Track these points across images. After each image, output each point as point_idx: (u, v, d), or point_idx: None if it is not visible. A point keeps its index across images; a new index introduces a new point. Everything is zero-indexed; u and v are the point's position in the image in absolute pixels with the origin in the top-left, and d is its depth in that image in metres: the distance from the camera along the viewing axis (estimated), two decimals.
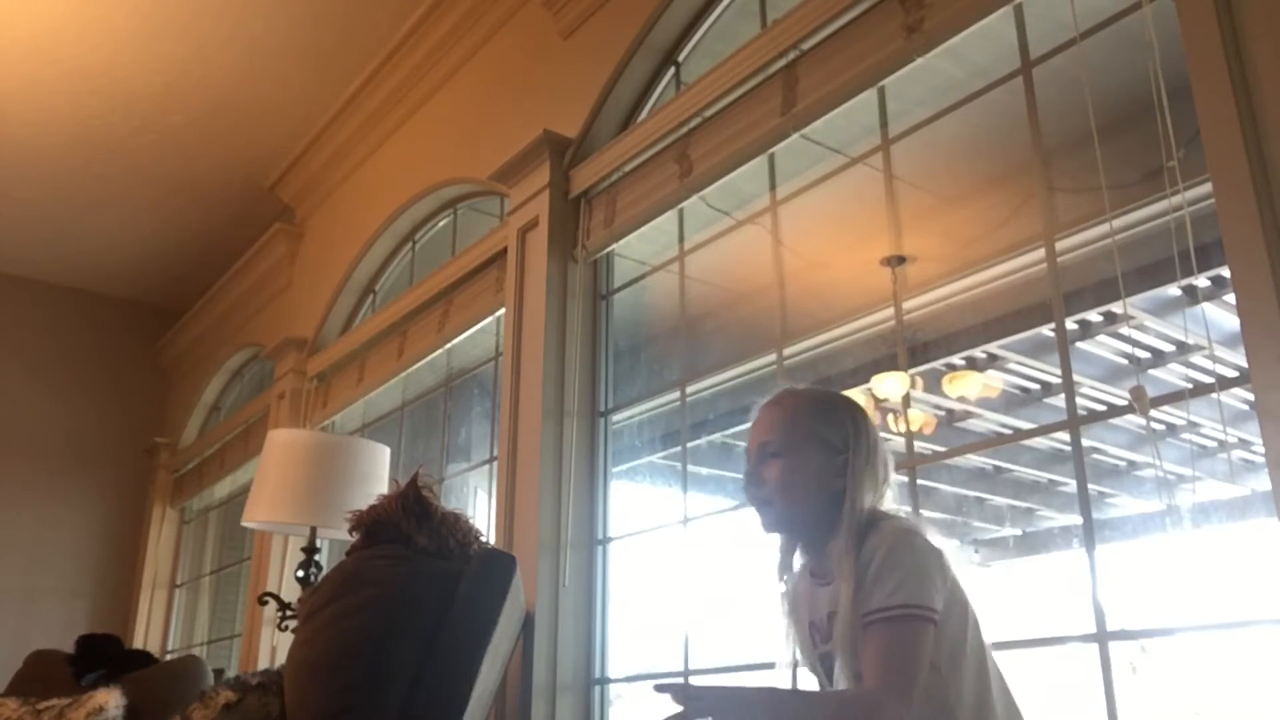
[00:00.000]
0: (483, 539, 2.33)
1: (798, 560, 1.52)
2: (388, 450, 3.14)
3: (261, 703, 2.09)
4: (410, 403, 4.02)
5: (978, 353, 4.90)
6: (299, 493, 2.93)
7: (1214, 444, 2.18)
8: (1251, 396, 1.48)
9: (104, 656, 3.07)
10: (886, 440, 1.51)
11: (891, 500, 1.46)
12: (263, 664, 3.85)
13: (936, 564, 1.32)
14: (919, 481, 2.17)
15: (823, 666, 1.43)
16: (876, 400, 3.77)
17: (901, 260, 2.35)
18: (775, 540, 1.53)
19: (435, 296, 3.58)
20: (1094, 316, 4.24)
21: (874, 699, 1.23)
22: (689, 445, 2.66)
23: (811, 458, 1.42)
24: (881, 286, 2.31)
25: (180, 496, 5.80)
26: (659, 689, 1.21)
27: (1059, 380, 4.46)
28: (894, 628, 1.26)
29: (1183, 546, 1.72)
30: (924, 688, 1.26)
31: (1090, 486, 1.88)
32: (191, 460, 5.69)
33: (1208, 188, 1.58)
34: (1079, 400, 1.87)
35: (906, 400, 2.91)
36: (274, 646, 3.88)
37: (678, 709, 1.20)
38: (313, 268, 4.75)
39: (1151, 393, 1.63)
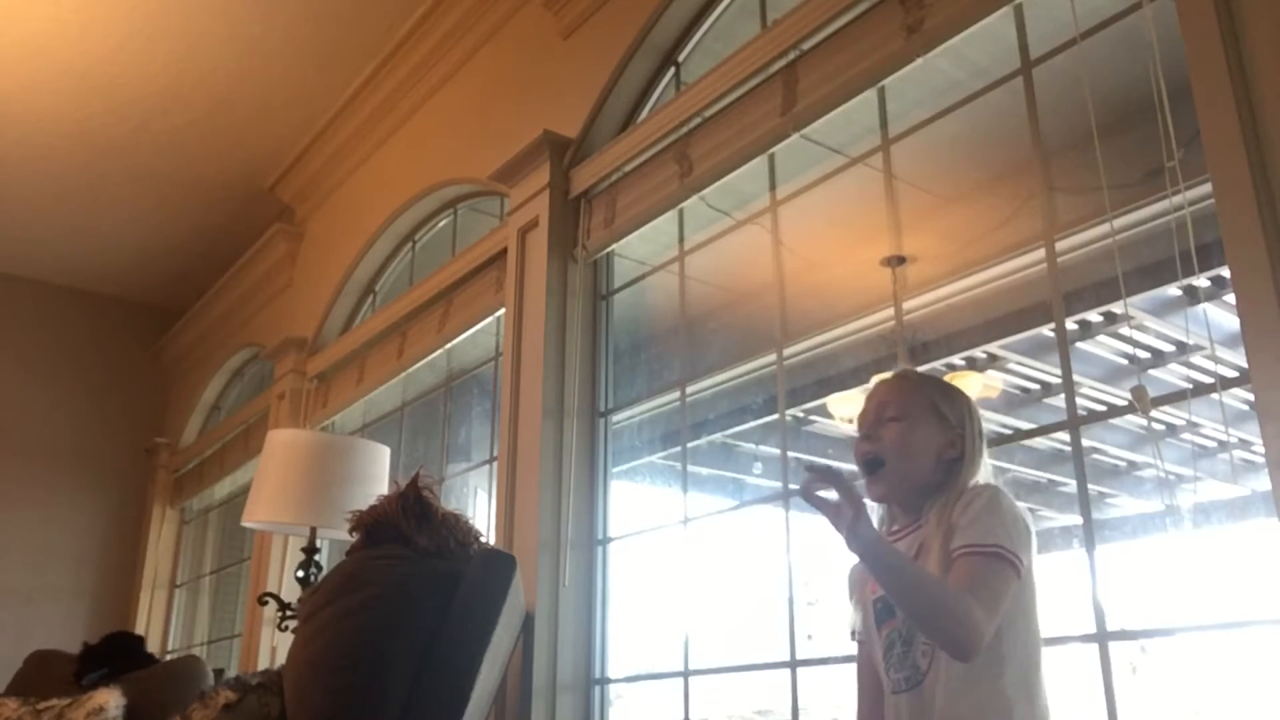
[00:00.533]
0: (483, 539, 2.33)
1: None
2: (388, 450, 3.14)
3: (261, 703, 2.09)
4: (410, 403, 4.02)
5: (978, 353, 4.90)
6: (299, 493, 2.93)
7: (1214, 444, 2.18)
8: (1251, 396, 1.48)
9: (124, 654, 3.06)
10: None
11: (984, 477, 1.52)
12: (263, 664, 3.85)
13: (1026, 528, 1.39)
14: None
15: (879, 609, 1.47)
16: None
17: (901, 260, 2.35)
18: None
19: (435, 296, 3.58)
20: (1094, 316, 4.23)
21: (970, 603, 1.28)
22: (689, 445, 2.66)
23: (929, 425, 1.50)
24: (881, 286, 2.31)
25: (180, 496, 5.80)
26: (810, 468, 1.30)
27: (1059, 380, 4.45)
28: (987, 561, 1.32)
29: (1183, 546, 1.72)
30: None
31: (1090, 486, 1.88)
32: (191, 460, 5.69)
33: (1208, 188, 1.58)
34: (1079, 400, 1.87)
35: None
36: (274, 646, 3.88)
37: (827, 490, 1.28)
38: (313, 268, 4.75)
39: (1152, 393, 1.63)
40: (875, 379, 3.33)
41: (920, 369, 1.61)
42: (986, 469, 1.51)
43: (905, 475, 1.49)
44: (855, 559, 1.58)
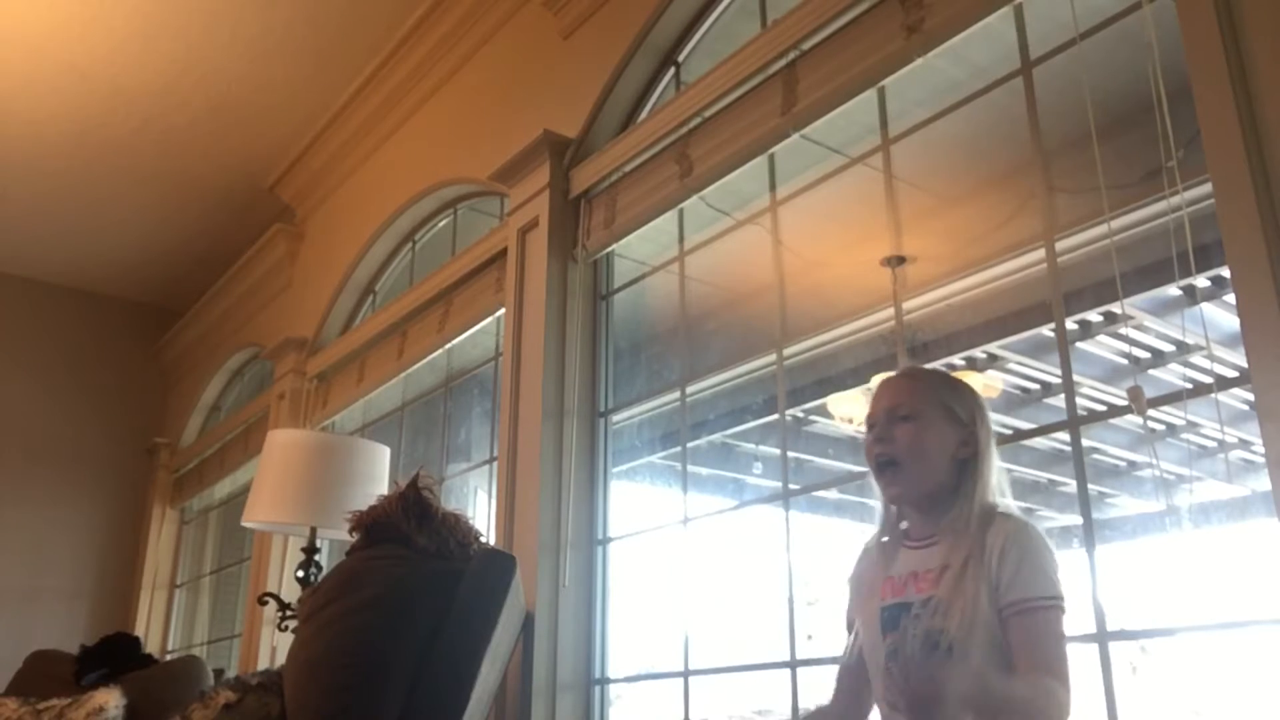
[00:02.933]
0: (483, 539, 2.33)
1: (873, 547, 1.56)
2: (388, 450, 3.14)
3: (261, 703, 2.09)
4: (410, 403, 4.02)
5: (978, 353, 4.90)
6: (299, 493, 2.93)
7: (1213, 444, 2.19)
8: (1251, 396, 1.48)
9: (120, 655, 3.06)
10: None
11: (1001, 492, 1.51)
12: (263, 664, 3.84)
13: (1054, 558, 1.40)
14: None
15: (884, 617, 1.46)
16: None
17: (901, 260, 2.35)
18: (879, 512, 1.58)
19: (435, 296, 3.58)
20: (1094, 316, 4.23)
21: (1053, 688, 1.29)
22: (689, 445, 2.66)
23: (941, 424, 1.49)
24: (881, 286, 2.31)
25: (180, 497, 5.80)
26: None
27: (1059, 380, 4.45)
28: (1048, 621, 1.33)
29: (1183, 546, 1.72)
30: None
31: (1090, 486, 1.88)
32: (191, 460, 5.69)
33: (1208, 188, 1.58)
34: (1079, 400, 1.87)
35: None
36: (274, 646, 3.88)
37: None
38: (313, 268, 4.75)
39: (1151, 393, 1.63)
40: (877, 378, 3.33)
41: (926, 366, 1.59)
42: (1000, 472, 1.50)
43: (921, 476, 1.48)
44: (858, 560, 1.59)
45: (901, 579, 1.47)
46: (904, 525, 1.54)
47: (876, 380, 3.34)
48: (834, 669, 1.60)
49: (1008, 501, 1.49)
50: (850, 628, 1.57)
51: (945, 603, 1.37)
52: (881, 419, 1.52)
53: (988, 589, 1.35)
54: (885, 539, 1.55)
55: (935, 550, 1.45)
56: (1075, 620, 1.60)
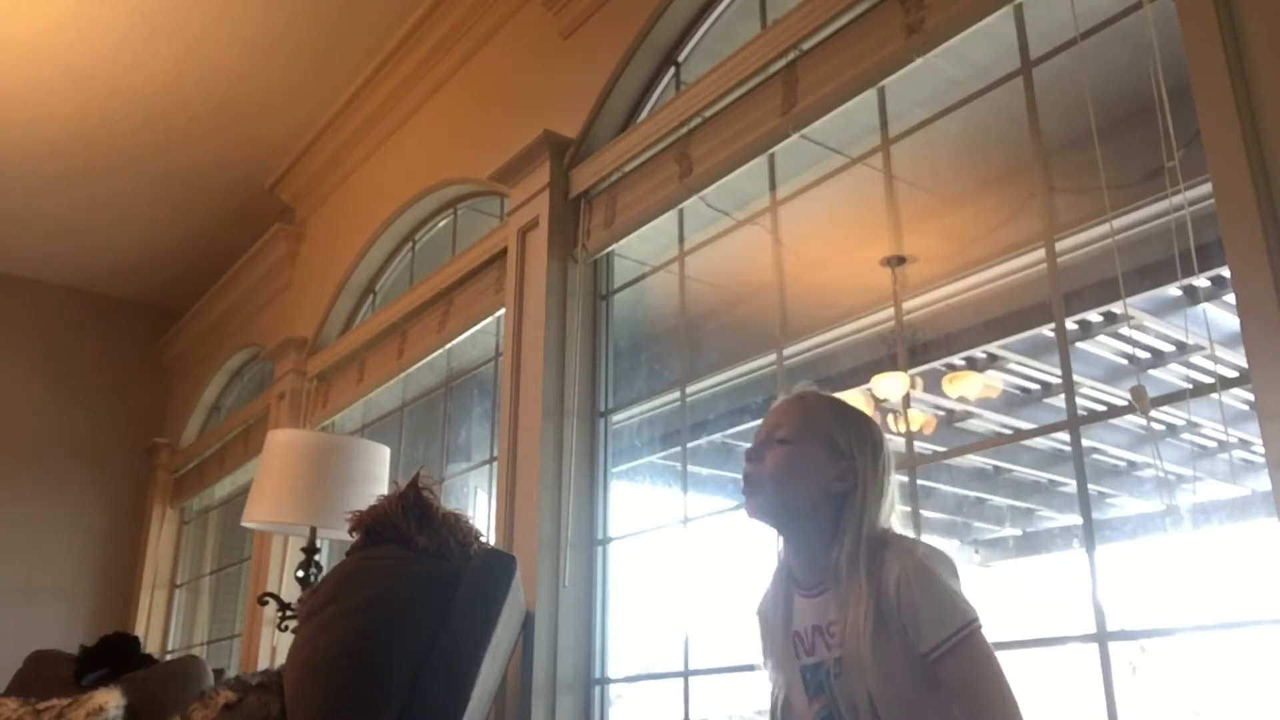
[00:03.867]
0: (483, 539, 2.33)
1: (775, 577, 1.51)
2: (388, 450, 3.14)
3: (261, 703, 2.09)
4: (410, 403, 4.02)
5: (978, 353, 4.90)
6: (299, 493, 2.93)
7: (1214, 444, 2.19)
8: (1251, 396, 1.48)
9: (120, 655, 3.06)
10: (889, 440, 1.51)
11: (897, 525, 1.45)
12: (263, 664, 3.85)
13: (953, 572, 1.35)
14: (919, 482, 2.16)
15: (806, 679, 1.41)
16: (876, 400, 3.77)
17: (901, 260, 2.35)
18: (774, 544, 1.52)
19: (435, 296, 3.58)
20: (1094, 316, 4.24)
21: None
22: (689, 445, 2.66)
23: (817, 453, 1.42)
24: (881, 286, 2.31)
25: (180, 496, 5.80)
26: None
27: (1059, 380, 4.46)
28: (971, 644, 1.29)
29: (1183, 546, 1.72)
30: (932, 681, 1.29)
31: (1090, 486, 1.88)
32: (191, 460, 5.69)
33: (1208, 188, 1.58)
34: (1079, 400, 1.87)
35: (906, 400, 2.91)
36: (274, 646, 3.88)
37: None
38: (313, 268, 4.75)
39: (1151, 393, 1.63)
40: (876, 379, 3.34)
41: (821, 391, 1.54)
42: (895, 510, 1.43)
43: (780, 500, 1.42)
44: (765, 593, 1.52)
45: (808, 634, 1.41)
46: (794, 574, 1.47)
47: (877, 380, 3.35)
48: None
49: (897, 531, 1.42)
50: (765, 665, 1.50)
51: (858, 663, 1.32)
52: (761, 439, 1.47)
53: (899, 633, 1.30)
54: (774, 589, 1.49)
55: (828, 598, 1.39)
56: (1075, 620, 1.60)
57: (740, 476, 1.47)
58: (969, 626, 1.29)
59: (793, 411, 1.47)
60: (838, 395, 1.60)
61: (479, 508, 3.44)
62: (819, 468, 1.41)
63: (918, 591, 1.30)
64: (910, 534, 1.46)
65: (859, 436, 1.44)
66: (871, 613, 1.31)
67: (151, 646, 5.34)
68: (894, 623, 1.30)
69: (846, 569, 1.35)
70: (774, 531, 1.50)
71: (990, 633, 1.40)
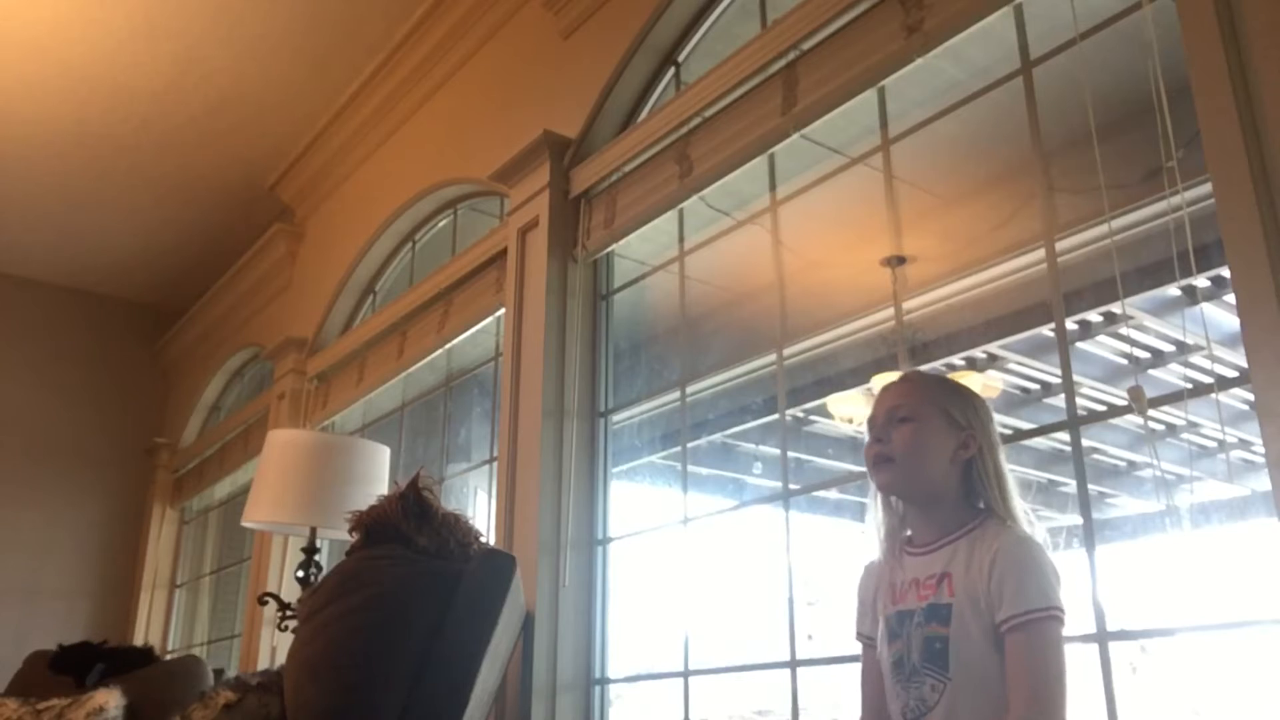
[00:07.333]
0: (483, 539, 2.33)
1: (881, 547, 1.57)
2: (388, 450, 3.14)
3: (261, 703, 2.09)
4: (410, 403, 4.02)
5: (978, 353, 4.90)
6: (299, 493, 2.93)
7: (1213, 444, 2.18)
8: (1251, 396, 1.48)
9: (92, 659, 3.05)
10: None
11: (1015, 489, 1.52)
12: (263, 664, 3.85)
13: (1056, 573, 1.40)
14: None
15: (891, 625, 1.47)
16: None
17: (901, 260, 2.35)
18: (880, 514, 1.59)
19: (435, 296, 3.58)
20: (1094, 316, 4.23)
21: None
22: (689, 445, 2.66)
23: (939, 427, 1.50)
24: (881, 286, 2.32)
25: (180, 496, 5.80)
26: None
27: (1059, 380, 4.45)
28: (1044, 629, 1.33)
29: (1183, 546, 1.72)
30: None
31: (1090, 486, 1.88)
32: (191, 460, 5.69)
33: (1208, 188, 1.58)
34: (1079, 400, 1.87)
35: None
36: (274, 646, 3.88)
37: None
38: (313, 268, 4.75)
39: (1151, 393, 1.63)
40: (876, 379, 3.34)
41: (925, 369, 1.60)
42: (1009, 477, 1.50)
43: (913, 473, 1.50)
44: (861, 577, 1.59)
45: (904, 586, 1.48)
46: (908, 533, 1.54)
47: (877, 380, 3.35)
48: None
49: (1018, 509, 1.48)
50: (860, 639, 1.58)
51: (943, 609, 1.38)
52: (881, 420, 1.54)
53: (984, 599, 1.36)
54: (886, 545, 1.55)
55: (938, 555, 1.46)
56: (1075, 620, 1.60)
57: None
58: (1049, 611, 1.34)
59: (907, 392, 1.56)
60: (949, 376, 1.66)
61: (479, 508, 3.44)
62: (942, 440, 1.50)
63: (1015, 560, 1.37)
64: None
65: (971, 408, 1.53)
66: (973, 571, 1.39)
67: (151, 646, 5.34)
68: (983, 591, 1.37)
69: (976, 528, 1.44)
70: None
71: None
